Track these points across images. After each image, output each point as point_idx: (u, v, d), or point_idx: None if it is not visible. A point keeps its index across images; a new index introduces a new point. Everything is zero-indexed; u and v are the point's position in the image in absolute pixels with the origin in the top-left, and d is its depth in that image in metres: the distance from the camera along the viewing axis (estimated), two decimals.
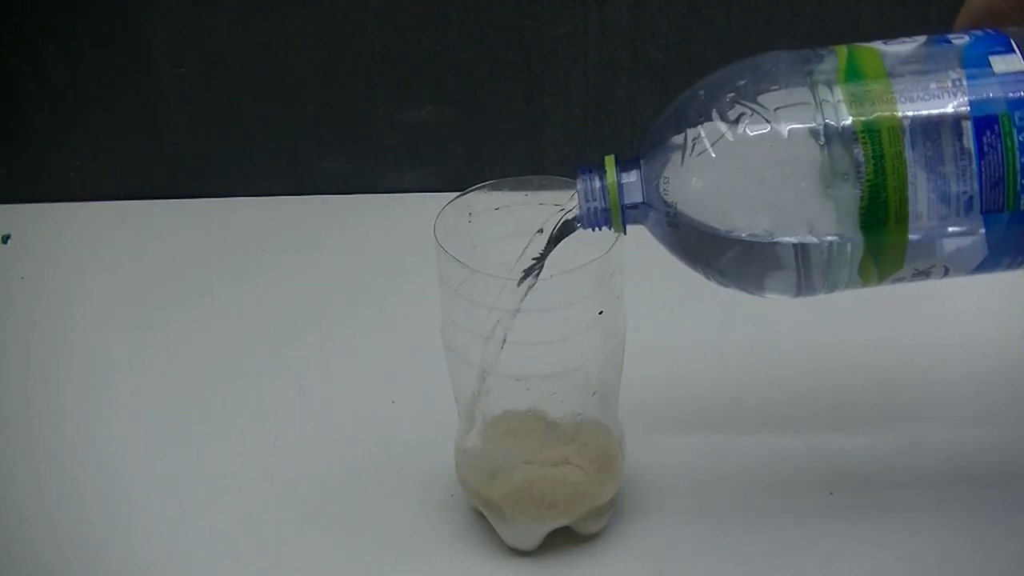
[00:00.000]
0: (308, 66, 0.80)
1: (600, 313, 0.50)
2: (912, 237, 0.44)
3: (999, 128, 0.43)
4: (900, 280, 0.46)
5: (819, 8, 0.76)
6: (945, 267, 0.45)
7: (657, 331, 0.61)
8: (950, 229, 0.44)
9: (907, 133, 0.43)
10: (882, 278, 0.46)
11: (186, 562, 0.55)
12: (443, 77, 0.80)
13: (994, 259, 0.45)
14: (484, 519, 0.54)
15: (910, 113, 0.43)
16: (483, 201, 0.52)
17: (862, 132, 0.43)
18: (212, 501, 0.58)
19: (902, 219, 0.43)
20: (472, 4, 0.78)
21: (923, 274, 0.45)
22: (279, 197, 0.83)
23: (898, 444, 0.59)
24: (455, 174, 0.80)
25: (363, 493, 0.58)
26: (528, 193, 0.52)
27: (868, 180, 0.43)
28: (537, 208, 0.52)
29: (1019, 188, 0.43)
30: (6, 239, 0.80)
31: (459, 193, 0.52)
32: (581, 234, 0.50)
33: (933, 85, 0.43)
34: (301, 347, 0.69)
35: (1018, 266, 0.45)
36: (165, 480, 0.59)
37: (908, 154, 0.43)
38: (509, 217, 0.52)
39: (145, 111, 0.82)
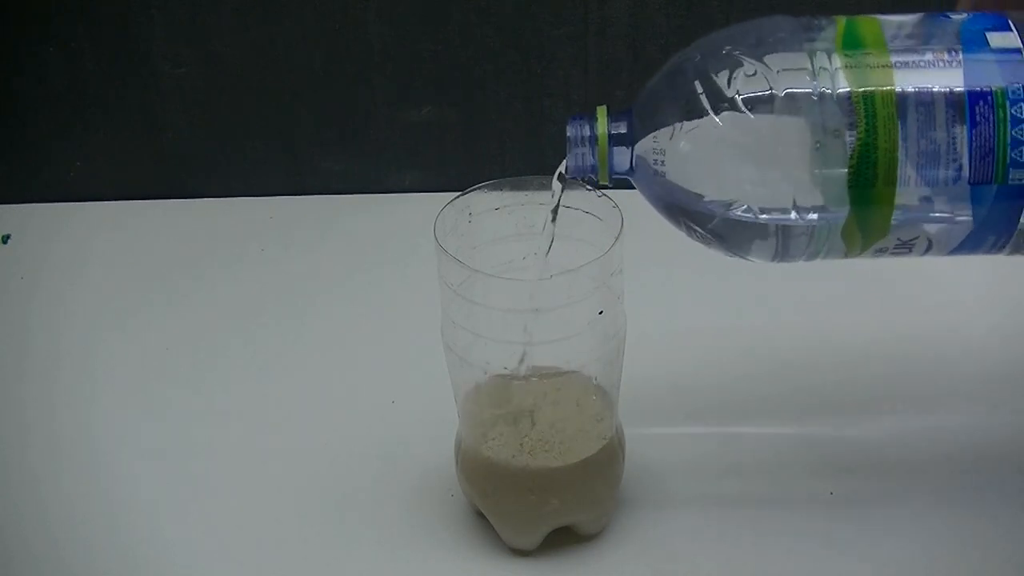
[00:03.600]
0: (308, 66, 0.80)
1: (600, 313, 0.50)
2: (899, 201, 0.44)
3: (992, 100, 0.43)
4: (882, 251, 0.46)
5: (819, 8, 0.76)
6: (929, 240, 0.45)
7: (657, 331, 0.61)
8: (937, 198, 0.44)
9: (901, 98, 0.43)
10: (865, 246, 0.46)
11: (184, 562, 0.55)
12: (443, 77, 0.80)
13: (978, 236, 0.45)
14: (484, 519, 0.54)
15: (905, 78, 0.43)
16: (483, 201, 0.52)
17: (856, 92, 0.43)
18: (211, 501, 0.58)
19: (890, 182, 0.44)
20: (472, 4, 0.77)
21: (905, 246, 0.45)
22: (279, 197, 0.83)
23: (902, 437, 0.59)
24: (455, 174, 0.80)
25: (363, 493, 0.58)
26: (528, 193, 0.52)
27: (859, 139, 0.43)
28: (537, 208, 0.52)
29: (1009, 162, 0.43)
30: (6, 239, 0.80)
31: (459, 193, 0.52)
32: (582, 234, 0.50)
33: (929, 55, 0.44)
34: (301, 347, 0.69)
35: (1001, 247, 0.45)
36: (165, 479, 0.59)
37: (900, 117, 0.43)
38: (509, 217, 0.52)
39: (145, 111, 0.82)
